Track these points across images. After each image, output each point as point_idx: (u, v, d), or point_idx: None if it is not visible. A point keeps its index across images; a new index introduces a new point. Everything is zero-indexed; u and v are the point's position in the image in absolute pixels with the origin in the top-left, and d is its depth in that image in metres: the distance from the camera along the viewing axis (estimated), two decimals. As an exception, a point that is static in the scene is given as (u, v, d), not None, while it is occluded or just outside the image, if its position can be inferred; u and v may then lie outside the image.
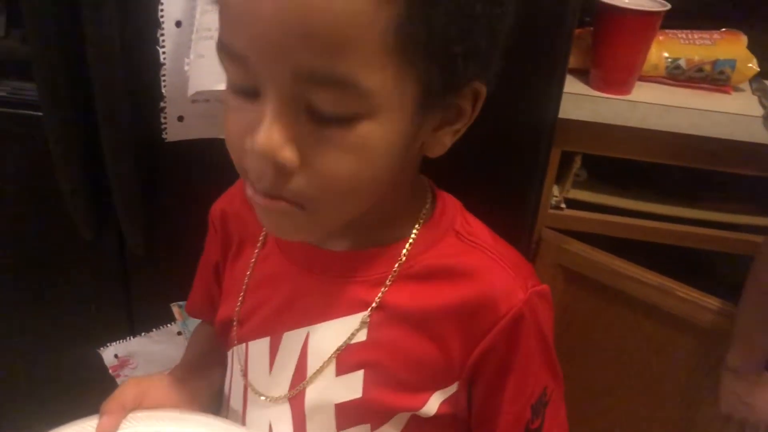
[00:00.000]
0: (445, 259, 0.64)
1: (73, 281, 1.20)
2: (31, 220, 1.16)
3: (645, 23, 1.10)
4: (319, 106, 0.50)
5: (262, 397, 0.70)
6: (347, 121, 0.50)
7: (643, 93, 1.16)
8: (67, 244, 1.15)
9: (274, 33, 0.47)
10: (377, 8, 0.47)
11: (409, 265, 0.65)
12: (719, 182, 1.24)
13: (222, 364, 0.78)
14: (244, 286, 0.73)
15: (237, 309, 0.73)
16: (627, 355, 1.20)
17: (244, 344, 0.72)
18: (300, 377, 0.67)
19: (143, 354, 1.18)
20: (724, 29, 1.22)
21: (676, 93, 1.18)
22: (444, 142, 0.60)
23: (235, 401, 0.74)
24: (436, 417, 0.66)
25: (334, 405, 0.65)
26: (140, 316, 1.21)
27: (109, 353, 1.17)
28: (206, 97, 0.96)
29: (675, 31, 1.21)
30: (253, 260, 0.73)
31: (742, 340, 1.03)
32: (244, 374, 0.72)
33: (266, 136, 0.50)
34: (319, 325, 0.66)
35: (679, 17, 1.14)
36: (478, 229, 0.68)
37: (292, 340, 0.68)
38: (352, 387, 0.65)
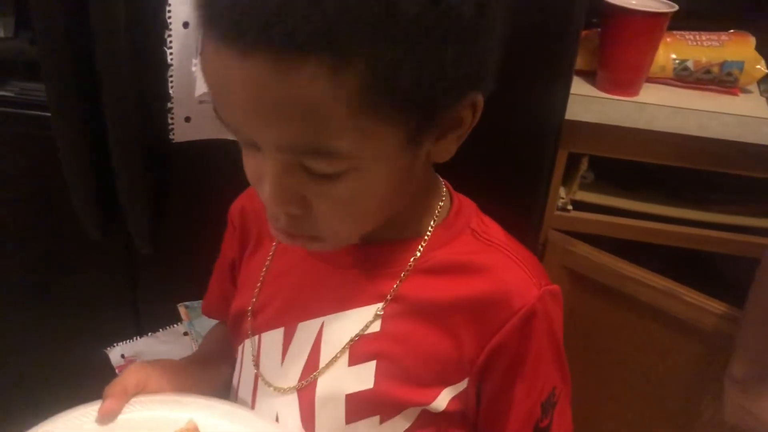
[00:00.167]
0: (461, 256, 0.66)
1: (80, 281, 1.21)
2: (39, 221, 1.17)
3: (652, 24, 1.10)
4: (310, 167, 0.54)
5: (271, 388, 0.71)
6: (338, 176, 0.54)
7: (650, 95, 1.15)
8: (75, 245, 1.16)
9: (248, 117, 0.52)
10: (337, 85, 0.48)
11: (424, 259, 0.66)
12: (727, 184, 1.23)
13: (229, 363, 0.79)
14: (261, 279, 0.75)
15: (253, 301, 0.75)
16: (632, 359, 1.20)
17: (257, 336, 0.73)
18: (312, 368, 0.68)
19: (150, 354, 1.18)
20: (732, 30, 1.21)
21: (683, 95, 1.18)
22: (449, 149, 0.60)
23: (245, 392, 0.75)
24: (446, 414, 0.66)
25: (345, 395, 0.66)
26: (147, 316, 1.22)
27: (116, 353, 1.17)
28: (213, 98, 0.96)
29: (683, 32, 1.20)
30: (270, 254, 0.75)
31: (747, 349, 1.01)
32: (256, 364, 0.73)
33: (271, 194, 0.55)
34: (334, 316, 0.68)
35: (687, 18, 1.13)
36: (493, 228, 0.69)
37: (306, 330, 0.69)
38: (364, 377, 0.66)
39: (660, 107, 1.12)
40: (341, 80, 0.48)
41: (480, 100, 0.58)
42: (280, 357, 0.71)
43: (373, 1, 0.46)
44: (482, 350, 0.64)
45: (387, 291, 0.66)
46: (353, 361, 0.66)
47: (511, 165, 1.06)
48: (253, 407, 0.73)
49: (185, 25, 0.93)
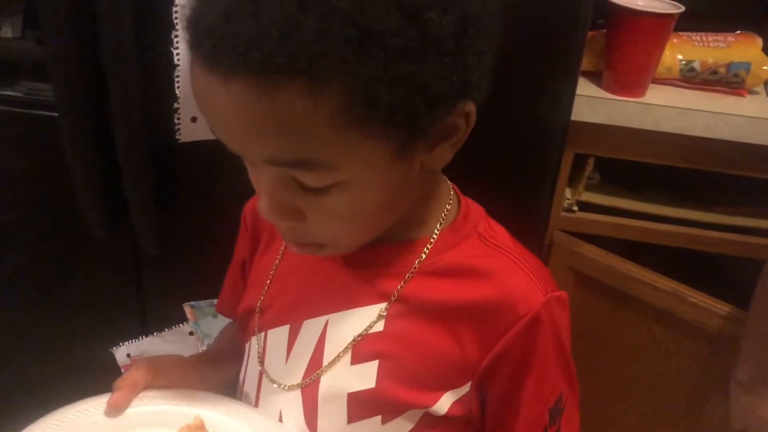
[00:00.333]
0: (467, 259, 0.65)
1: (86, 281, 1.21)
2: (46, 220, 1.18)
3: (659, 25, 1.10)
4: (301, 180, 0.55)
5: (275, 385, 0.71)
6: (328, 189, 0.55)
7: (656, 95, 1.15)
8: (81, 244, 1.16)
9: (233, 135, 0.54)
10: (316, 104, 0.49)
11: (429, 261, 0.66)
12: (733, 185, 1.23)
13: (239, 361, 0.79)
14: (270, 277, 0.75)
15: (261, 298, 0.75)
16: (637, 360, 1.19)
17: (263, 333, 0.74)
18: (315, 366, 0.68)
19: (155, 353, 1.18)
20: (738, 31, 1.21)
21: (690, 96, 1.18)
22: (443, 157, 0.60)
23: (249, 388, 0.76)
24: (449, 418, 0.66)
25: (347, 394, 0.66)
26: (153, 316, 1.22)
27: (121, 352, 1.18)
28: (219, 99, 0.97)
29: (689, 33, 1.20)
30: (280, 252, 0.76)
31: (751, 351, 1.01)
32: (261, 361, 0.73)
33: (266, 206, 0.58)
34: (338, 314, 0.68)
35: (694, 19, 1.13)
36: (500, 233, 0.69)
37: (311, 328, 0.69)
38: (366, 377, 0.66)
39: (666, 108, 1.12)
40: (320, 100, 0.49)
41: (472, 108, 0.57)
42: (285, 354, 0.71)
43: (348, 23, 0.47)
44: (486, 355, 0.64)
45: (391, 291, 0.66)
46: (356, 360, 0.67)
47: (517, 166, 1.06)
48: (257, 404, 0.74)
49: (192, 25, 0.93)
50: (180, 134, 1.01)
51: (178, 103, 0.98)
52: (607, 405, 1.23)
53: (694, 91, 1.19)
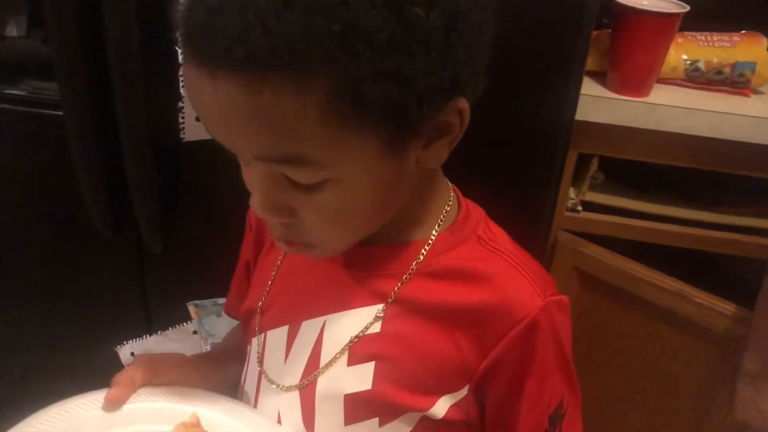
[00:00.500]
0: (465, 262, 0.65)
1: (90, 280, 1.21)
2: (50, 220, 1.18)
3: (663, 25, 1.10)
4: (291, 176, 0.55)
5: (274, 385, 0.71)
6: (319, 186, 0.55)
7: (661, 95, 1.15)
8: (86, 244, 1.16)
9: (222, 130, 0.54)
10: (302, 100, 0.49)
11: (427, 263, 0.65)
12: (738, 185, 1.23)
13: (241, 362, 0.79)
14: (271, 278, 0.75)
15: (262, 299, 0.75)
16: (642, 360, 1.19)
17: (263, 333, 0.74)
18: (313, 367, 0.68)
19: (159, 352, 1.18)
20: (743, 31, 1.21)
21: (694, 95, 1.17)
22: (439, 155, 0.60)
23: (249, 388, 0.76)
24: (446, 422, 0.66)
25: (344, 395, 0.66)
26: (157, 315, 1.22)
27: (125, 351, 1.18)
28: (224, 98, 0.97)
29: (694, 32, 1.20)
30: (282, 253, 0.75)
31: (759, 346, 1.01)
32: (260, 362, 0.73)
33: (258, 204, 0.57)
34: (335, 315, 0.68)
35: (698, 19, 1.13)
36: (500, 236, 0.68)
37: (309, 328, 0.69)
38: (362, 378, 0.65)
39: (671, 108, 1.12)
40: (306, 95, 0.48)
41: (465, 105, 0.57)
42: (284, 355, 0.71)
43: (332, 18, 0.46)
44: (484, 359, 0.63)
45: (388, 292, 0.65)
46: (352, 361, 0.66)
47: (521, 165, 1.06)
48: (256, 404, 0.74)
49: (196, 24, 0.93)
50: (184, 133, 1.01)
51: (182, 102, 0.98)
52: (611, 404, 1.23)
53: (698, 91, 1.19)
